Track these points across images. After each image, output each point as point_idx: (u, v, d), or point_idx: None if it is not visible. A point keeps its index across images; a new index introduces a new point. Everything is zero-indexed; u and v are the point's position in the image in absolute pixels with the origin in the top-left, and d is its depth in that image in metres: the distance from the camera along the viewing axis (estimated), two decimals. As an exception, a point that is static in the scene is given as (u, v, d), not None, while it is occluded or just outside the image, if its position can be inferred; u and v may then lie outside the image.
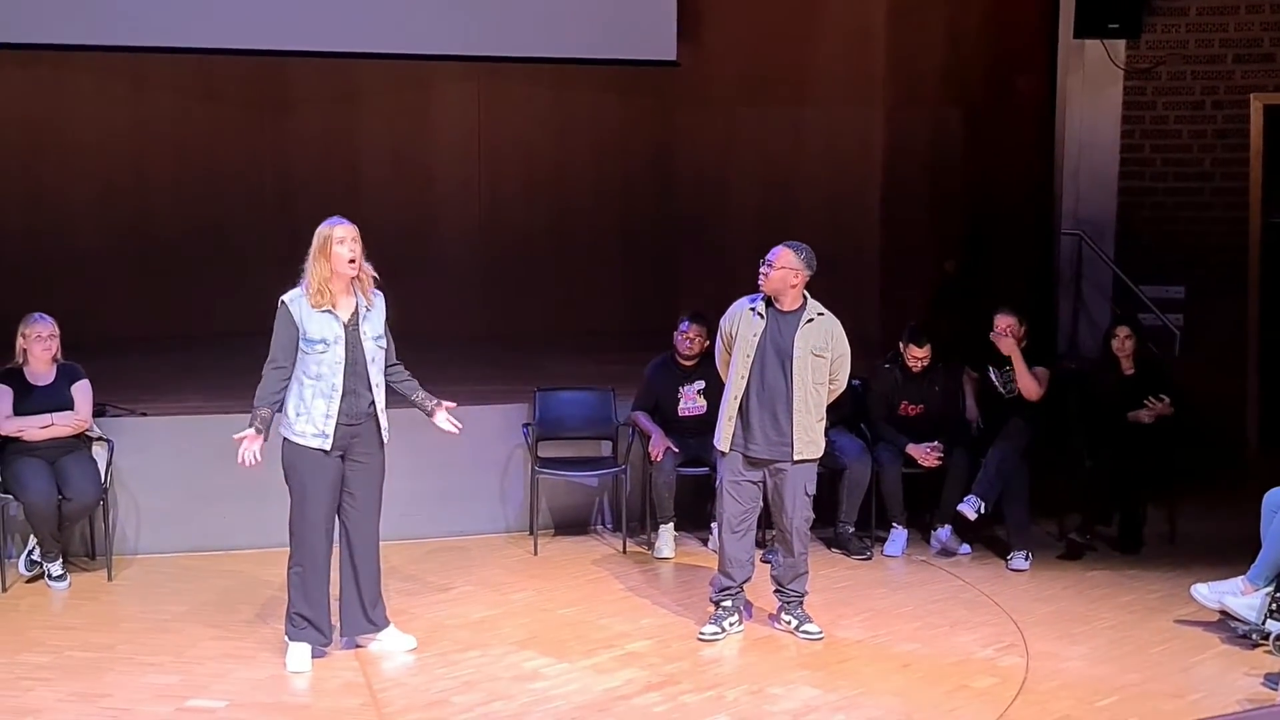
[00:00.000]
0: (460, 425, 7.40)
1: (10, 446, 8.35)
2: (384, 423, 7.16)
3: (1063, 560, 9.15)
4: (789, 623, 7.74)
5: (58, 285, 11.72)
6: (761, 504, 7.73)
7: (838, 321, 7.63)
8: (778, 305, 7.53)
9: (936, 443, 9.30)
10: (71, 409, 8.43)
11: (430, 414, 7.38)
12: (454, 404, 7.43)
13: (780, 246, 7.52)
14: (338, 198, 12.11)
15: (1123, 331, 9.61)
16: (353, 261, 6.94)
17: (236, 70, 12.76)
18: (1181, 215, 12.03)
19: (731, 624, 7.69)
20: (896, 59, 13.35)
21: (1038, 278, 12.76)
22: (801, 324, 7.49)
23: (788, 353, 7.46)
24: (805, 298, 7.56)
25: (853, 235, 13.36)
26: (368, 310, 7.04)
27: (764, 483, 7.63)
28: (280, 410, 7.00)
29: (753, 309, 7.56)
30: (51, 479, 8.26)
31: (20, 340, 8.42)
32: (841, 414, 9.20)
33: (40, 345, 8.39)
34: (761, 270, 7.52)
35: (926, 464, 9.29)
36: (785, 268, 7.47)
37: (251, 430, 6.90)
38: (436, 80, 13.42)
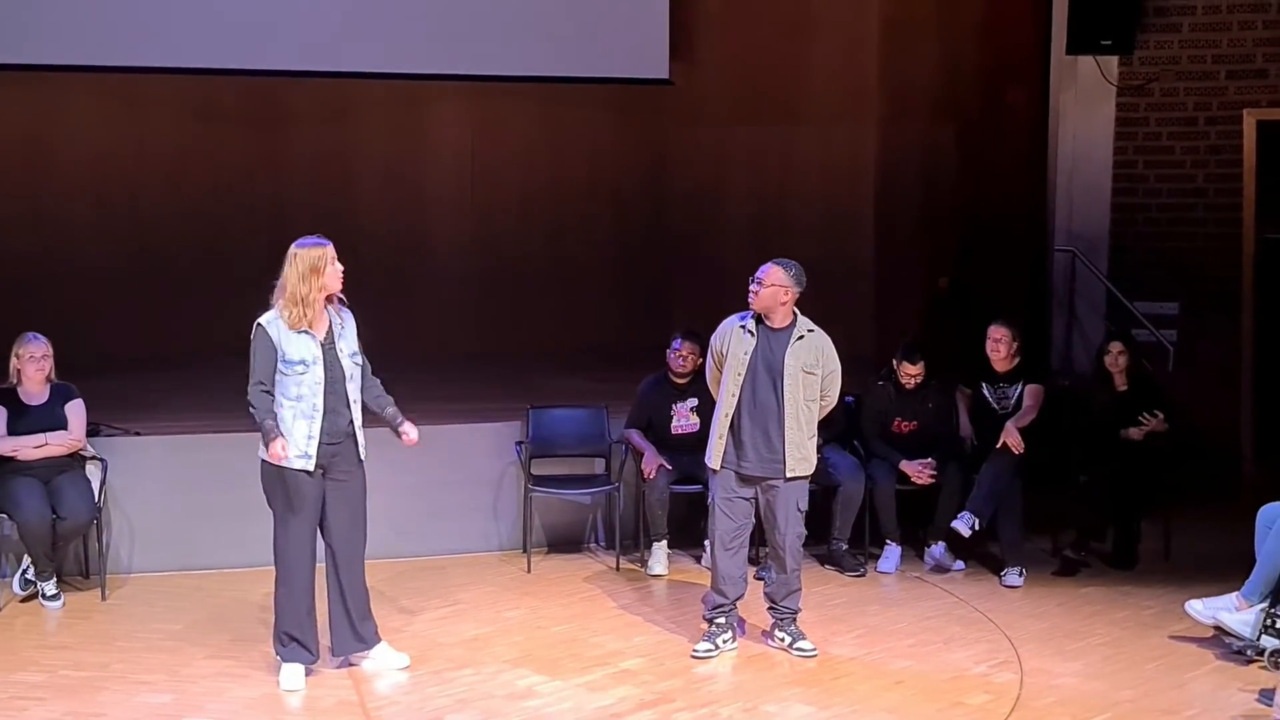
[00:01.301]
0: (414, 437, 7.32)
1: (4, 466, 8.35)
2: (361, 440, 7.15)
3: (1057, 576, 9.15)
4: (783, 640, 7.74)
5: (52, 304, 11.72)
6: (754, 521, 7.74)
7: (828, 338, 7.64)
8: (768, 322, 7.54)
9: (930, 459, 9.30)
10: (65, 429, 8.43)
11: (396, 430, 7.32)
12: (414, 424, 7.34)
13: (769, 264, 7.53)
14: (332, 216, 12.11)
15: (1115, 348, 9.61)
16: (340, 278, 6.97)
17: (232, 90, 12.78)
18: (1175, 231, 12.03)
19: (725, 641, 7.69)
20: (889, 75, 13.35)
21: (1031, 294, 12.77)
22: (792, 341, 7.50)
23: (779, 370, 7.46)
24: (795, 314, 7.57)
25: (846, 252, 13.35)
26: (341, 328, 7.05)
27: (756, 499, 7.64)
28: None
29: (743, 326, 7.57)
30: (45, 498, 8.26)
31: (14, 360, 8.43)
32: (835, 431, 9.21)
33: (34, 365, 8.39)
34: (751, 288, 7.53)
35: (920, 481, 9.29)
36: (775, 285, 7.48)
37: (275, 438, 6.83)
38: (430, 99, 13.44)
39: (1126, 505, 9.33)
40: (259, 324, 6.95)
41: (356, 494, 7.20)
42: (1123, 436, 9.41)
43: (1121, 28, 11.86)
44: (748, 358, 7.51)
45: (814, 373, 7.53)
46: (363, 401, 7.19)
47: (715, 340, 7.73)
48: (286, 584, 7.08)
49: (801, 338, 7.52)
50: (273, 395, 6.90)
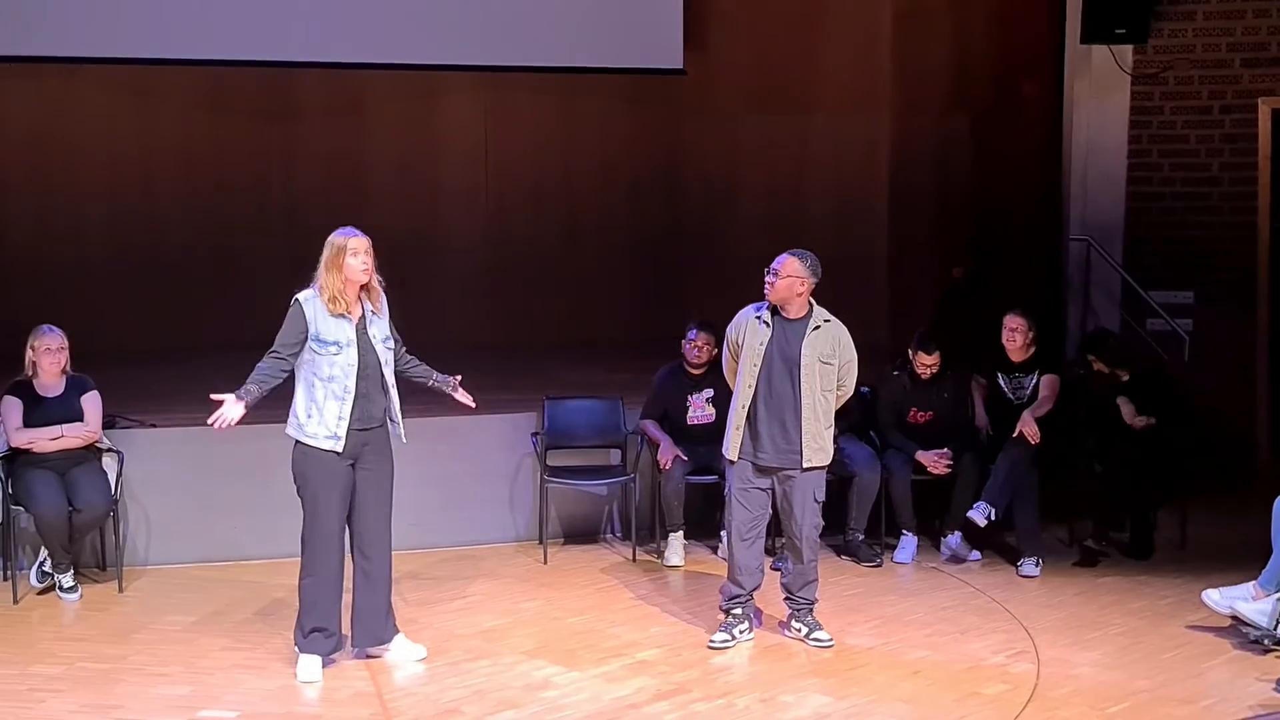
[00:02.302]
0: (474, 402, 7.51)
1: (21, 458, 8.37)
2: (399, 421, 7.17)
3: (1077, 567, 9.13)
4: (799, 630, 7.73)
5: (66, 297, 11.73)
6: (770, 511, 7.73)
7: (844, 328, 7.63)
8: (784, 313, 7.53)
9: (946, 449, 9.29)
10: (81, 420, 8.44)
11: (453, 391, 7.49)
12: (460, 376, 7.52)
13: (785, 254, 7.52)
14: (345, 208, 11.98)
15: (1094, 363, 9.59)
16: (365, 271, 6.97)
17: (243, 81, 12.78)
18: (1190, 220, 11.99)
19: (741, 632, 7.68)
20: (903, 66, 13.36)
21: (1046, 283, 12.73)
22: (808, 332, 7.49)
23: (795, 361, 7.45)
24: (811, 305, 7.56)
25: (860, 242, 13.38)
26: (374, 314, 7.06)
27: (773, 490, 7.63)
28: (290, 414, 7.02)
29: (759, 317, 7.56)
30: (62, 491, 8.27)
31: (30, 352, 8.44)
32: (850, 421, 9.20)
33: (49, 357, 8.40)
34: (767, 279, 7.51)
35: (936, 471, 9.28)
36: (791, 276, 7.47)
37: (232, 396, 6.86)
38: (443, 90, 13.44)
39: (1142, 495, 9.31)
40: (296, 299, 6.99)
41: (385, 484, 7.20)
42: (1129, 421, 9.38)
43: (1136, 16, 11.80)
44: (764, 349, 7.50)
45: (830, 363, 7.52)
46: (406, 378, 7.28)
47: (731, 331, 7.72)
48: (313, 574, 7.07)
49: (818, 328, 7.51)
50: (287, 365, 6.95)
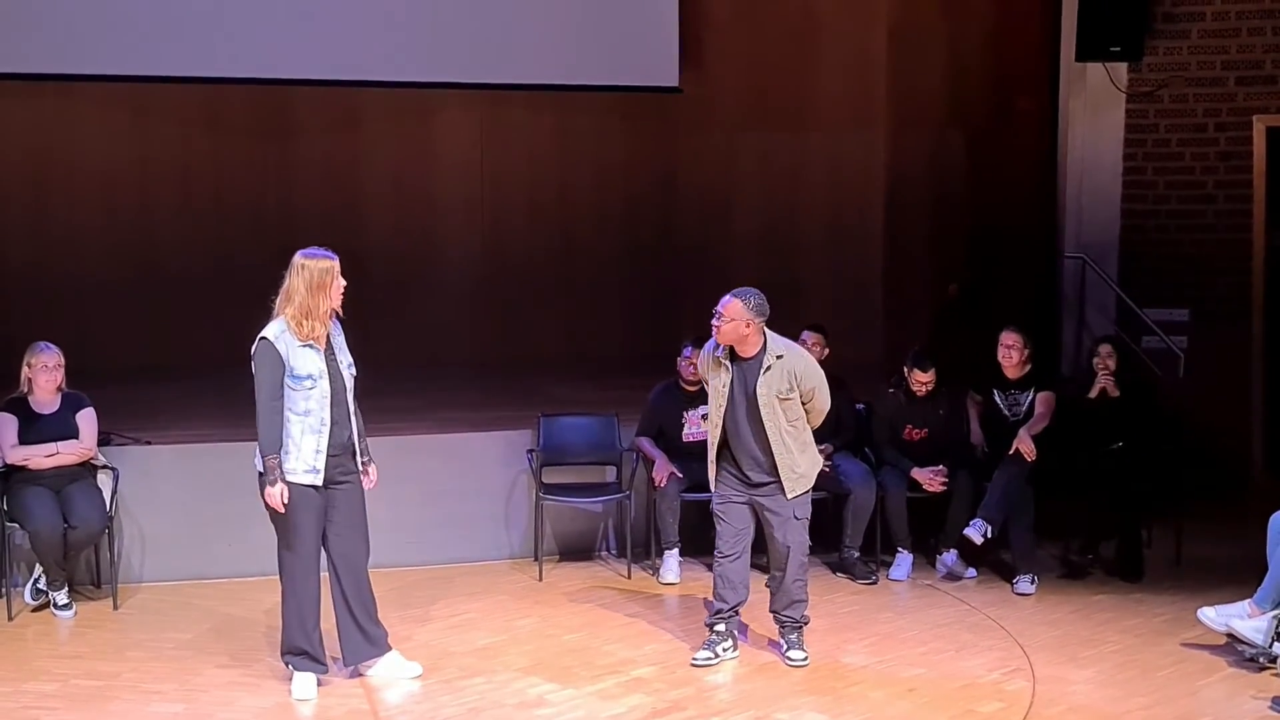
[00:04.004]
0: (372, 483, 7.30)
1: (15, 475, 8.36)
2: (359, 451, 7.12)
3: (1066, 580, 9.14)
4: (782, 647, 7.71)
5: (62, 314, 11.75)
6: (754, 526, 7.69)
7: (802, 354, 7.56)
8: (739, 353, 7.45)
9: (941, 466, 9.29)
10: (76, 438, 8.44)
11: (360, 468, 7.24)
12: (374, 480, 7.30)
13: (728, 296, 7.38)
14: (340, 226, 12.16)
15: (1105, 350, 9.57)
16: (342, 292, 6.94)
17: (239, 99, 12.79)
18: (1185, 238, 12.02)
19: (725, 649, 7.65)
20: (898, 83, 13.39)
21: (1041, 301, 12.76)
22: (761, 371, 7.38)
23: (754, 400, 7.40)
24: (764, 339, 7.43)
25: (855, 259, 13.40)
26: (336, 339, 7.04)
27: (753, 505, 7.60)
28: (260, 448, 6.92)
29: (718, 357, 7.50)
30: (57, 508, 8.26)
31: (25, 369, 8.43)
32: (846, 438, 9.24)
33: (45, 374, 8.40)
34: (713, 322, 7.42)
35: (931, 488, 9.28)
36: (734, 319, 7.33)
37: (274, 489, 6.79)
38: (439, 107, 13.45)
39: (1127, 512, 9.29)
40: (264, 338, 6.85)
41: (356, 499, 7.16)
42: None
43: (1131, 34, 11.85)
44: (726, 389, 7.45)
45: (790, 397, 7.41)
46: None
47: (700, 366, 7.77)
48: (294, 596, 7.05)
49: (769, 368, 7.40)
50: (281, 406, 6.84)
